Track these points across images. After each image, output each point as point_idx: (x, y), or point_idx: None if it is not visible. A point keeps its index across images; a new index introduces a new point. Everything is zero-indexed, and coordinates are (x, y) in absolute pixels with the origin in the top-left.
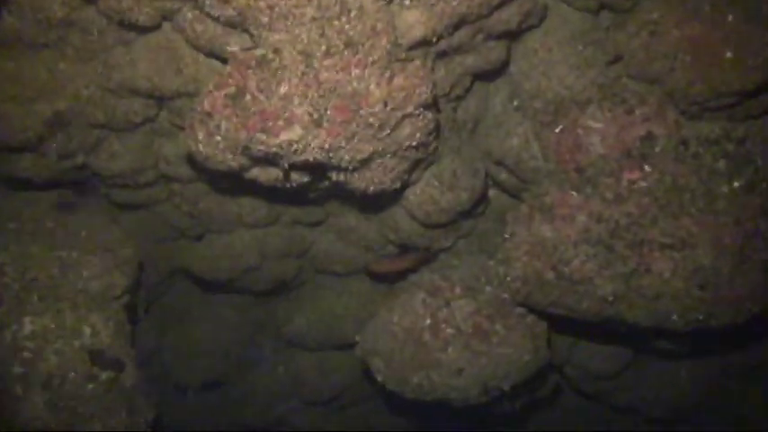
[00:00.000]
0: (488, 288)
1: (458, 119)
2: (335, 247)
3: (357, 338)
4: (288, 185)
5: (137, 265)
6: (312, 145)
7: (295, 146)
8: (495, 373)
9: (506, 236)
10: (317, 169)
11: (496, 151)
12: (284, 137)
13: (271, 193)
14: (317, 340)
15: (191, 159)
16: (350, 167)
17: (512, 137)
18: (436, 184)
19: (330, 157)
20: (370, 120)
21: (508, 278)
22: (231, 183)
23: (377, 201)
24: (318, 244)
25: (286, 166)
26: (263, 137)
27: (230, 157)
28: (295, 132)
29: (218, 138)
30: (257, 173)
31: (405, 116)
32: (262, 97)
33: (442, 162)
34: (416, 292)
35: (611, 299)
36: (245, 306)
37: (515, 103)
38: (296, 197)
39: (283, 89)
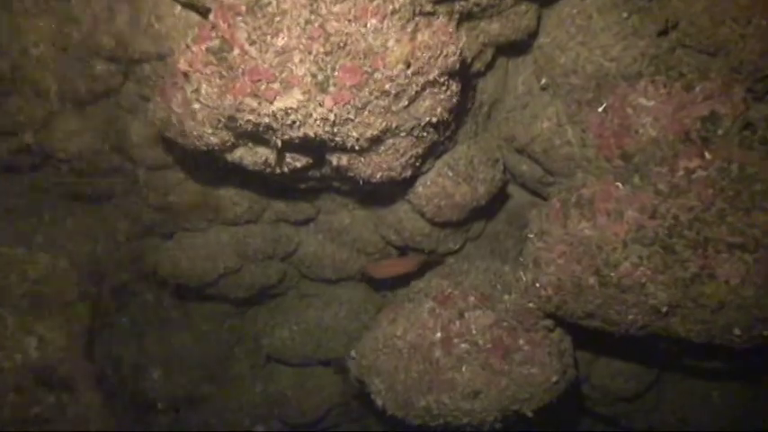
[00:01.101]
0: (507, 296)
1: (475, 100)
2: (325, 249)
3: (352, 354)
4: (279, 171)
5: (97, 265)
6: (314, 116)
7: (293, 116)
8: (517, 395)
9: (531, 235)
10: (317, 149)
11: (521, 137)
12: (280, 104)
13: (255, 183)
14: (302, 355)
15: (161, 136)
16: (356, 147)
17: (540, 120)
18: (450, 174)
19: (334, 133)
20: (386, 86)
21: (537, 284)
22: (209, 169)
23: (380, 193)
24: (306, 245)
25: (279, 143)
26: (254, 103)
27: (210, 131)
28: (293, 98)
29: (197, 106)
30: (242, 154)
31: (427, 84)
32: (253, 52)
33: (456, 150)
34: (423, 302)
35: (664, 309)
36: (222, 315)
37: (543, 81)
38: (284, 188)
39: (281, 41)
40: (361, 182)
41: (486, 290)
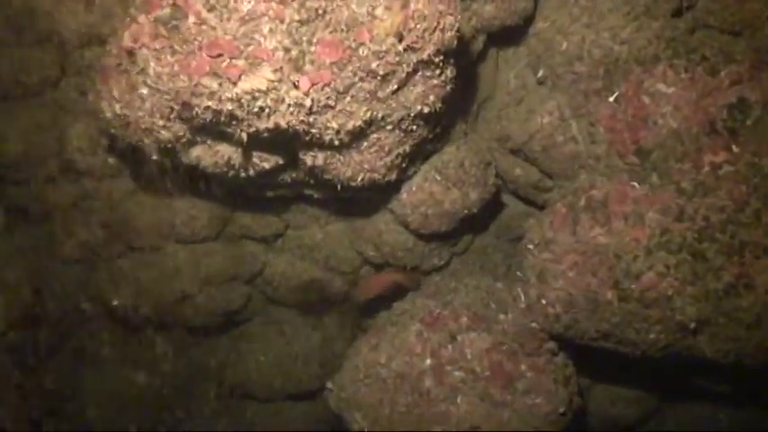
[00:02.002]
0: (503, 316)
1: (465, 94)
2: (295, 269)
3: (329, 386)
4: (244, 174)
5: (30, 292)
6: (287, 101)
7: (261, 101)
8: (520, 430)
9: (531, 246)
10: (289, 146)
11: (517, 136)
12: (245, 85)
13: (216, 193)
14: (270, 388)
15: (105, 136)
16: (335, 142)
17: (538, 116)
18: (438, 178)
19: (310, 124)
20: (373, 64)
21: (543, 301)
22: (162, 177)
23: (357, 203)
24: (273, 265)
25: (244, 138)
26: (213, 84)
27: (161, 123)
28: (262, 78)
29: (144, 91)
30: (200, 153)
31: (420, 64)
32: (212, 20)
33: (445, 151)
34: (409, 324)
35: (692, 326)
36: (178, 346)
37: (540, 73)
38: (248, 198)
39: (246, 6)
40: (338, 186)
41: (480, 309)
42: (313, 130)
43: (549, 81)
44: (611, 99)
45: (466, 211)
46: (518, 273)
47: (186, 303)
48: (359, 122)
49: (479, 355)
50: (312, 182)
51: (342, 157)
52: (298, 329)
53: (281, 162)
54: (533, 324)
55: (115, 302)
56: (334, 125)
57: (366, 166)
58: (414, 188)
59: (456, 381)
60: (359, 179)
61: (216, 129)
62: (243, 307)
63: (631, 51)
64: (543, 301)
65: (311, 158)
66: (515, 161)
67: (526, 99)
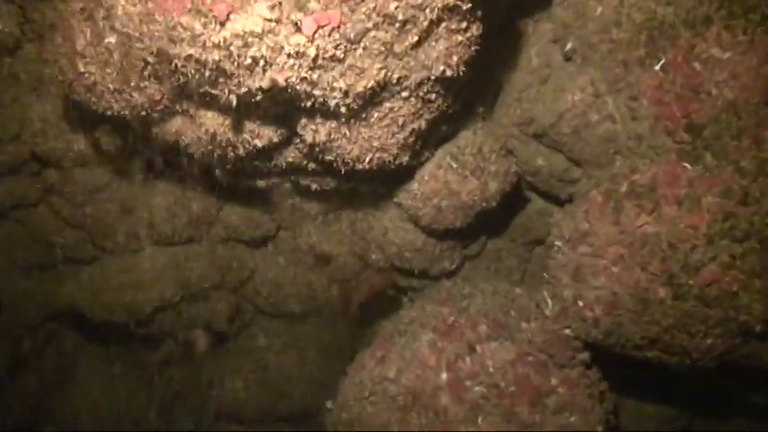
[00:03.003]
0: (525, 324)
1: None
2: (287, 275)
3: (329, 406)
4: (232, 153)
5: None
6: (286, 49)
7: (255, 49)
8: None
9: (559, 243)
10: (286, 117)
11: (543, 117)
12: (235, 26)
13: (199, 184)
14: (260, 410)
15: (69, 108)
16: (342, 108)
17: (568, 94)
18: (454, 165)
19: (314, 83)
20: (392, 5)
21: (580, 303)
22: (138, 165)
23: (360, 196)
24: (263, 271)
25: (233, 100)
26: (195, 26)
27: (133, 82)
28: (256, 17)
29: (111, 39)
30: (181, 126)
31: (446, 11)
32: None
33: (461, 136)
34: (419, 334)
35: (758, 329)
36: (158, 363)
37: (569, 46)
38: (236, 190)
39: None
40: (342, 170)
41: (499, 317)
42: (316, 92)
43: (579, 55)
44: (657, 68)
45: (484, 204)
46: (544, 274)
47: (166, 314)
48: (371, 83)
49: (503, 367)
50: (311, 167)
51: (348, 132)
52: (291, 344)
53: (276, 139)
54: (566, 331)
55: (84, 312)
56: (342, 85)
57: (375, 143)
58: (426, 177)
59: (477, 397)
60: (366, 160)
61: (199, 90)
62: (229, 319)
63: (678, 13)
64: (580, 303)
65: (312, 133)
66: (537, 150)
67: (552, 77)
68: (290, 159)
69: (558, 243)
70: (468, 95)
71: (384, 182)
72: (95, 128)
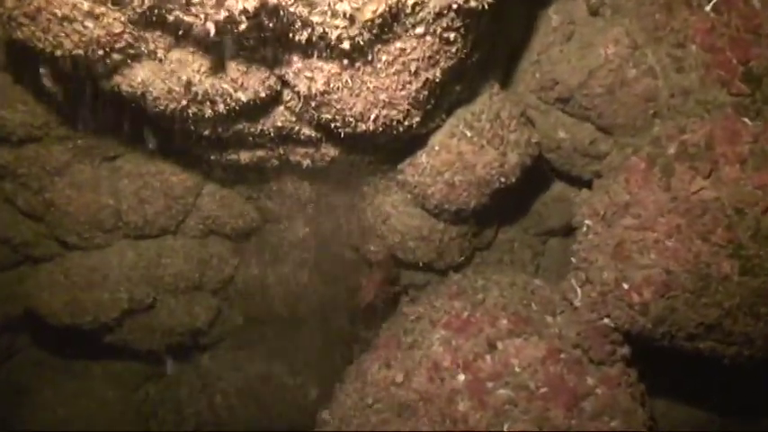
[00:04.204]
0: (551, 319)
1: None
2: (274, 274)
3: (325, 416)
4: (210, 111)
5: None
6: None
7: None
8: None
9: (589, 222)
10: (275, 55)
11: (568, 78)
12: None
13: (172, 161)
14: (243, 426)
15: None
16: (343, 43)
17: (599, 48)
18: (469, 134)
19: (312, 2)
20: None
21: (624, 285)
22: (102, 139)
23: (360, 172)
24: (246, 269)
25: (210, 28)
26: None
27: (86, 5)
28: None
29: None
30: (148, 75)
31: None
32: None
33: (475, 102)
34: (430, 331)
35: None
36: (131, 375)
37: None
38: (213, 167)
39: None
40: (341, 133)
41: (520, 310)
42: (314, 18)
43: (609, 6)
44: (708, 8)
45: (502, 180)
46: (572, 259)
47: (137, 318)
48: (381, 7)
49: (531, 366)
50: (304, 134)
51: (350, 80)
52: (277, 352)
53: (263, 93)
54: (605, 321)
55: (45, 316)
56: (346, 7)
57: (383, 96)
58: (437, 147)
59: (501, 402)
60: (371, 118)
61: (168, 18)
62: (209, 324)
63: None
64: (624, 286)
65: (307, 82)
66: (559, 120)
67: (577, 34)
68: (280, 123)
69: (588, 222)
70: (485, 53)
71: (388, 154)
72: (45, 92)
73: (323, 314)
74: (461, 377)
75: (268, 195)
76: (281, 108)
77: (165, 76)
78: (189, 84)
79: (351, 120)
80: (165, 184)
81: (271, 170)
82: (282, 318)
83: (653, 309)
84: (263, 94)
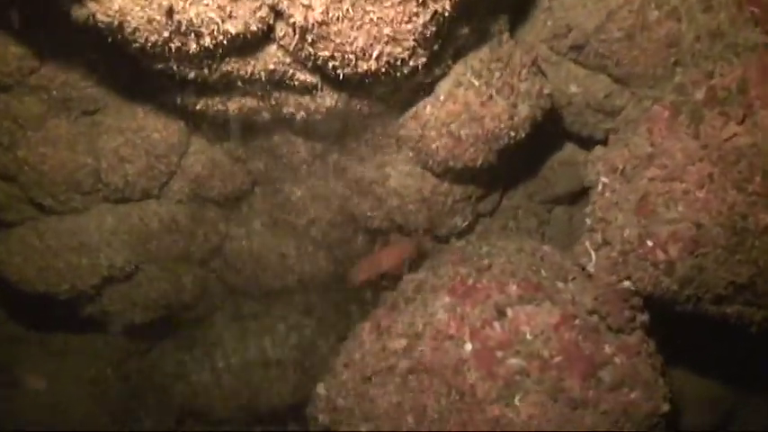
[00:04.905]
0: (562, 285)
1: None
2: (266, 242)
3: (320, 390)
4: (195, 45)
5: None
6: None
7: None
8: None
9: (605, 180)
10: None
11: (583, 23)
12: None
13: (154, 113)
14: (232, 406)
15: None
16: None
17: None
18: (476, 83)
19: None
20: None
21: (649, 243)
22: (77, 78)
23: (359, 128)
24: (236, 237)
25: None
26: None
27: None
28: None
29: None
30: (124, 4)
31: None
32: None
33: (483, 49)
34: (432, 298)
35: None
36: (112, 351)
37: None
38: (203, 119)
39: None
40: (340, 74)
41: (530, 276)
42: None
43: None
44: None
45: (512, 134)
46: (586, 220)
47: (117, 288)
48: None
49: (544, 333)
50: (299, 78)
51: (351, 10)
52: (270, 326)
53: (254, 26)
54: (625, 284)
55: (15, 283)
56: None
57: (386, 30)
58: (442, 97)
59: (512, 372)
60: (374, 55)
61: None
62: (196, 298)
63: None
64: (649, 243)
65: (303, 11)
66: (571, 73)
67: None
68: (272, 66)
69: (604, 179)
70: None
71: (389, 108)
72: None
73: (316, 287)
74: (468, 346)
75: (258, 155)
76: (274, 48)
77: (145, 2)
78: (171, 11)
79: (351, 57)
80: (146, 141)
81: (261, 126)
82: (273, 290)
83: (679, 267)
84: (253, 27)
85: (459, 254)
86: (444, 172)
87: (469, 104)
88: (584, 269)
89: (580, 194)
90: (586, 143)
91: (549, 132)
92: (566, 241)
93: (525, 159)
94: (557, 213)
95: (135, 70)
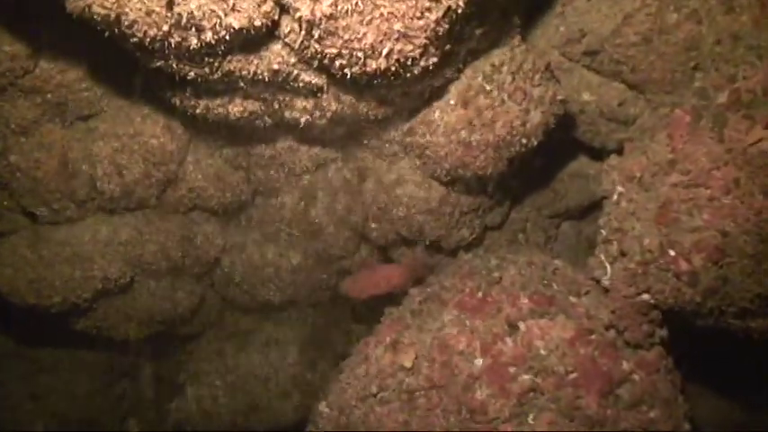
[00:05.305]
0: (575, 299)
1: None
2: (265, 254)
3: (322, 408)
4: (195, 41)
5: None
6: None
7: None
8: None
9: (621, 189)
10: None
11: (598, 28)
12: None
13: (153, 116)
14: (229, 423)
15: None
16: None
17: None
18: (487, 87)
19: None
20: None
21: (671, 252)
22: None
23: (363, 134)
24: (235, 250)
25: None
26: None
27: None
28: None
29: None
30: None
31: None
32: None
33: (494, 53)
34: (440, 311)
35: None
36: (104, 368)
37: None
38: (203, 123)
39: None
40: (348, 74)
41: (541, 290)
42: None
43: None
44: None
45: (524, 141)
46: (602, 231)
47: (112, 300)
48: None
49: (559, 348)
50: (303, 79)
51: (360, 3)
52: (268, 342)
53: (258, 21)
54: (643, 297)
55: (6, 294)
56: None
57: (397, 26)
58: (452, 101)
59: (525, 389)
60: (384, 53)
61: None
62: (192, 312)
63: None
64: (671, 253)
65: (310, 4)
66: (584, 80)
67: None
68: (276, 66)
69: (620, 189)
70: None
71: (396, 113)
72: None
73: (316, 302)
74: (479, 361)
75: (259, 164)
76: (279, 46)
77: None
78: (171, 3)
79: (359, 55)
80: (144, 147)
81: (263, 132)
82: (271, 304)
83: (703, 278)
84: (257, 22)
85: (467, 267)
86: (453, 181)
87: (481, 109)
88: (598, 283)
89: (590, 209)
90: (598, 154)
91: (558, 143)
92: (573, 258)
93: (534, 170)
94: (564, 229)
95: (132, 71)
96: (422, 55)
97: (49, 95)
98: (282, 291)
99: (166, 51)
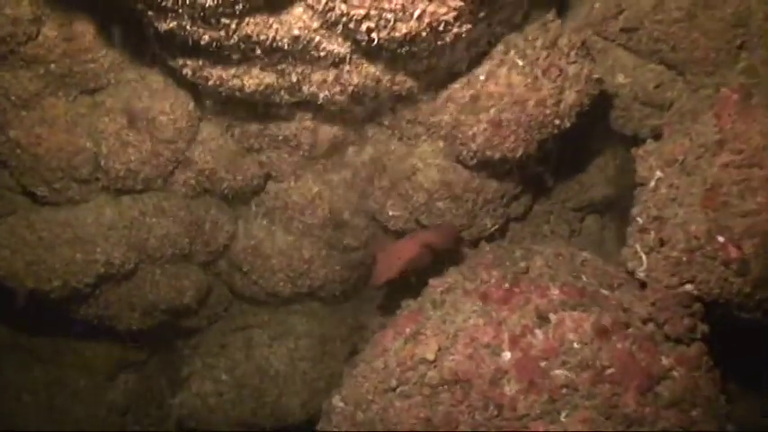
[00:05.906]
0: (607, 292)
1: None
2: (276, 242)
3: (336, 402)
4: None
5: None
6: None
7: None
8: None
9: (660, 174)
10: None
11: (638, 2)
12: None
13: (159, 86)
14: (236, 420)
15: None
16: None
17: None
18: (520, 63)
19: None
20: None
21: (720, 238)
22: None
23: (385, 110)
24: (244, 237)
25: None
26: None
27: None
28: None
29: None
30: None
31: None
32: None
33: (528, 29)
34: (464, 301)
35: None
36: (106, 360)
37: None
38: (213, 98)
39: None
40: (374, 38)
41: (573, 282)
42: None
43: None
44: None
45: (556, 122)
46: (638, 219)
47: (113, 287)
48: None
49: (593, 342)
50: (325, 48)
51: None
52: (278, 335)
53: None
54: (686, 287)
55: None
56: None
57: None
58: (483, 77)
59: (558, 385)
60: (415, 16)
61: None
62: (199, 303)
63: None
64: (720, 239)
65: None
66: (618, 61)
67: None
68: (297, 32)
69: (659, 174)
70: None
71: (420, 90)
72: None
73: (330, 293)
74: (507, 355)
75: (272, 145)
76: (300, 9)
77: None
78: None
79: (389, 17)
80: (151, 123)
81: (278, 110)
82: (282, 296)
83: (754, 267)
84: None
85: (490, 256)
86: (479, 164)
87: (513, 86)
88: (632, 275)
89: (616, 202)
90: (628, 144)
91: (586, 131)
92: (597, 253)
93: (565, 159)
94: (588, 223)
95: (142, 43)
96: (456, 19)
97: (52, 66)
98: (293, 282)
99: (179, 10)
